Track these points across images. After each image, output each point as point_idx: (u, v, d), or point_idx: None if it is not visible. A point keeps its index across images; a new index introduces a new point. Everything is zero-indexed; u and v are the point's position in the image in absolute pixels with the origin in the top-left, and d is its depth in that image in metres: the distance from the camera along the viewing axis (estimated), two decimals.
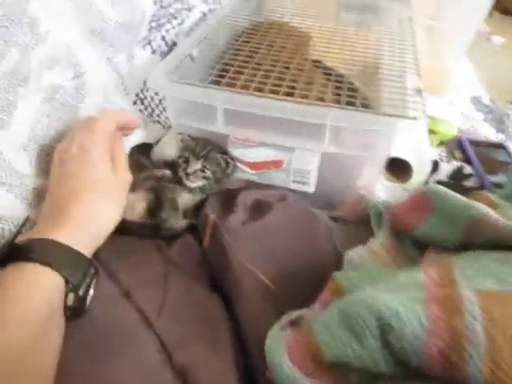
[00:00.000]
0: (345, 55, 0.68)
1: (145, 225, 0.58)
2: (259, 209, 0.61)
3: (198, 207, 0.62)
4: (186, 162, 0.62)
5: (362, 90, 0.63)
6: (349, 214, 0.68)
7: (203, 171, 0.62)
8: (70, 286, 0.40)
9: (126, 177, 0.53)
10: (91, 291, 0.44)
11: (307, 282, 0.52)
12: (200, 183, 0.62)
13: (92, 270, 0.44)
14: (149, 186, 0.59)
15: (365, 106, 0.58)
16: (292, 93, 0.57)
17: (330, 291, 0.49)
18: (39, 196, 0.50)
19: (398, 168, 0.75)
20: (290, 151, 0.62)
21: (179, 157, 0.63)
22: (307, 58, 0.69)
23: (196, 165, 0.62)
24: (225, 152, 0.64)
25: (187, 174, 0.61)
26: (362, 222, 0.69)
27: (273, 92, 0.56)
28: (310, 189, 0.66)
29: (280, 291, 0.50)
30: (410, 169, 0.74)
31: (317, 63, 0.70)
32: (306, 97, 0.57)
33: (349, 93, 0.58)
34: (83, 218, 0.45)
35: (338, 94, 0.59)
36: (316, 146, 0.60)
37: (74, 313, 0.41)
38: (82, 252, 0.43)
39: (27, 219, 0.44)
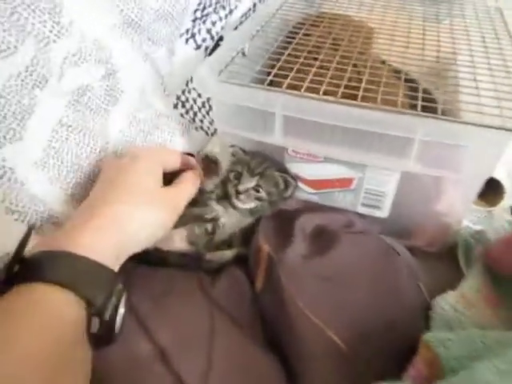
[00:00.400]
0: (413, 52, 0.56)
1: (185, 254, 0.48)
2: (322, 239, 0.49)
3: (247, 232, 0.52)
4: (238, 177, 0.52)
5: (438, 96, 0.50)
6: (429, 245, 0.56)
7: (257, 191, 0.51)
8: (93, 310, 0.33)
9: (178, 201, 0.45)
10: (121, 310, 0.35)
11: (389, 343, 0.40)
12: (252, 204, 0.52)
13: (119, 286, 0.36)
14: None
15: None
16: (368, 98, 0.45)
17: (424, 362, 0.37)
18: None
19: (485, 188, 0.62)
20: (361, 169, 0.50)
21: (230, 171, 0.53)
22: (380, 58, 0.57)
23: (250, 182, 0.51)
24: (284, 171, 0.53)
25: (238, 192, 0.51)
26: (444, 254, 0.57)
27: (346, 97, 0.45)
28: (383, 214, 0.54)
29: (354, 354, 0.39)
30: (500, 189, 0.61)
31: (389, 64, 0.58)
32: (388, 104, 0.45)
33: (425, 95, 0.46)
34: (110, 220, 0.38)
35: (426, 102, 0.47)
36: (396, 164, 0.48)
37: (102, 341, 0.34)
38: (105, 264, 0.35)
39: (31, 229, 0.35)
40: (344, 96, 0.45)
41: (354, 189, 0.52)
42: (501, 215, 0.60)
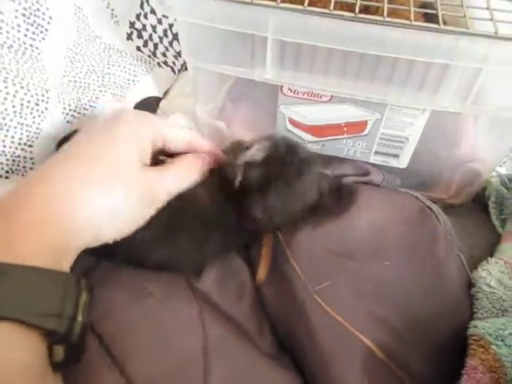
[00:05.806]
0: None
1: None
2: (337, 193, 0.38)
3: None
4: None
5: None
6: (452, 197, 0.47)
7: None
8: (56, 338, 0.24)
9: (158, 190, 0.31)
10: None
11: (434, 342, 0.31)
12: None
13: (84, 296, 0.26)
14: None
15: None
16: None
17: (484, 367, 0.28)
18: None
19: None
20: (379, 109, 0.39)
21: None
22: None
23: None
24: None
25: None
26: (472, 208, 0.47)
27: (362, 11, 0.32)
28: (401, 164, 0.43)
29: (394, 363, 0.30)
30: None
31: None
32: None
33: None
34: (48, 203, 0.26)
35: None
36: (429, 102, 0.37)
37: (69, 362, 0.26)
38: (60, 266, 0.26)
39: None
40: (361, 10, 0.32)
41: (368, 134, 0.41)
42: None
